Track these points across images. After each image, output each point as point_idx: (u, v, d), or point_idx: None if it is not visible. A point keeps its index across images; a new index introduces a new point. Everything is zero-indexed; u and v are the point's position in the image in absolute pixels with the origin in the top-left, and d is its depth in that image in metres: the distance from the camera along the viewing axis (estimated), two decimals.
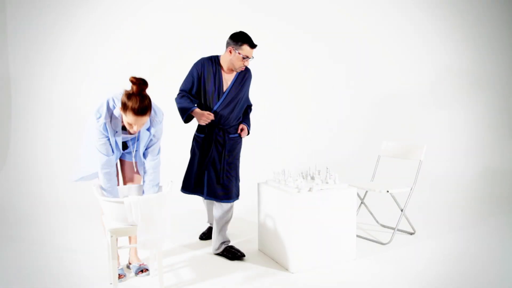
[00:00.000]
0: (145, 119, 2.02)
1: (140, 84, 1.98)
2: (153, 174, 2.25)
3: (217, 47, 4.46)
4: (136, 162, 2.34)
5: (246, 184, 3.96)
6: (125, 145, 2.32)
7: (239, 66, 2.58)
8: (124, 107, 1.97)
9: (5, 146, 4.20)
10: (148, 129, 2.18)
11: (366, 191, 3.31)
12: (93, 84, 4.26)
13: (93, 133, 2.10)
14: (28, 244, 2.93)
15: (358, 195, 3.16)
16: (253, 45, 2.54)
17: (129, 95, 1.98)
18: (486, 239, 3.01)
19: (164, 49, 4.35)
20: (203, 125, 2.61)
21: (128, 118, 1.99)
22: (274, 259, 2.61)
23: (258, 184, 2.77)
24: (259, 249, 2.82)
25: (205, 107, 2.62)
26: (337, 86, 4.76)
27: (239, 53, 2.52)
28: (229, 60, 2.57)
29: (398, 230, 3.16)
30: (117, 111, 2.08)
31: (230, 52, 2.54)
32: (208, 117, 2.52)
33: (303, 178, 2.73)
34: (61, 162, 4.16)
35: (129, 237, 2.44)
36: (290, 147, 4.57)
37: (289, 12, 4.63)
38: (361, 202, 3.37)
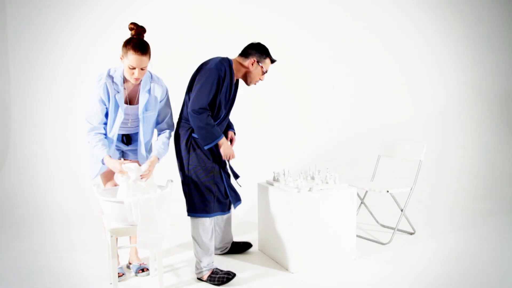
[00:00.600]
0: (146, 61, 2.03)
1: (138, 28, 2.04)
2: (163, 138, 2.25)
3: (217, 47, 4.46)
4: (138, 161, 2.35)
5: (246, 184, 3.96)
6: (128, 140, 2.31)
7: (256, 81, 2.40)
8: (125, 51, 2.01)
9: (5, 146, 4.20)
10: (149, 91, 2.17)
11: (366, 191, 3.31)
12: (93, 84, 4.25)
13: (89, 104, 2.12)
14: (28, 244, 2.93)
15: (358, 195, 3.16)
16: (273, 60, 2.41)
17: (128, 40, 2.03)
18: (486, 239, 3.01)
19: (164, 49, 4.35)
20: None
21: (129, 59, 2.00)
22: (274, 259, 2.61)
23: (258, 184, 2.77)
24: (259, 249, 2.82)
25: (213, 117, 2.30)
26: (337, 86, 4.76)
27: (261, 67, 2.35)
28: (248, 71, 2.36)
29: (398, 230, 3.16)
30: (118, 73, 2.11)
31: (253, 64, 2.34)
32: (233, 155, 2.31)
33: (303, 178, 2.73)
34: (61, 162, 4.16)
35: (130, 237, 2.44)
36: (290, 147, 4.57)
37: (289, 12, 4.62)
38: (361, 202, 3.37)
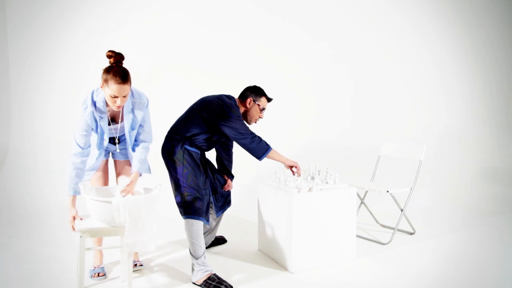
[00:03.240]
0: (127, 89, 1.99)
1: (117, 55, 2.01)
2: (143, 153, 2.22)
3: (217, 47, 4.47)
4: (127, 160, 2.37)
5: (246, 184, 3.97)
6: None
7: (256, 119, 2.60)
8: (105, 80, 1.97)
9: (5, 146, 4.20)
10: (132, 111, 2.17)
11: (366, 191, 3.31)
12: (93, 84, 4.26)
13: (78, 125, 2.09)
14: (28, 244, 2.93)
15: (358, 195, 3.16)
16: (269, 99, 2.59)
17: (108, 69, 1.98)
18: (486, 239, 3.01)
19: (164, 49, 4.35)
20: (204, 142, 2.45)
21: (111, 88, 1.96)
22: (274, 259, 2.61)
23: (258, 184, 2.76)
24: (259, 249, 2.82)
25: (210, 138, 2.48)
26: (337, 86, 4.76)
27: (258, 105, 2.55)
28: (246, 110, 2.56)
29: (398, 230, 3.16)
30: (100, 98, 2.08)
31: (249, 103, 2.54)
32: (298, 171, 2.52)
33: (303, 178, 2.73)
34: (60, 162, 4.16)
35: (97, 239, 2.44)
36: (290, 147, 4.56)
37: (290, 12, 4.63)
38: (361, 202, 3.37)
